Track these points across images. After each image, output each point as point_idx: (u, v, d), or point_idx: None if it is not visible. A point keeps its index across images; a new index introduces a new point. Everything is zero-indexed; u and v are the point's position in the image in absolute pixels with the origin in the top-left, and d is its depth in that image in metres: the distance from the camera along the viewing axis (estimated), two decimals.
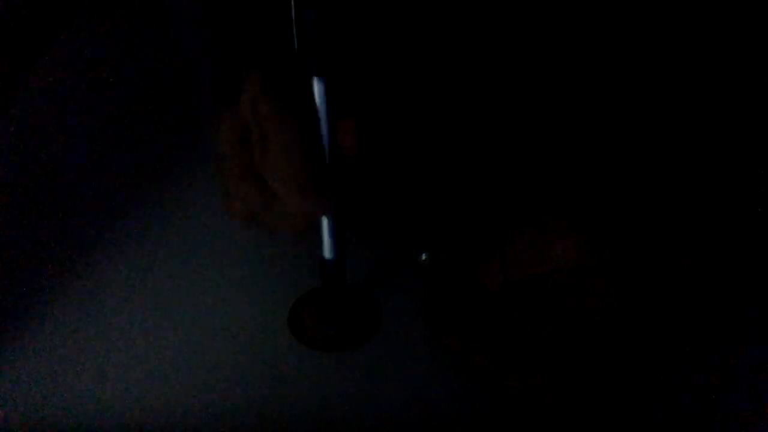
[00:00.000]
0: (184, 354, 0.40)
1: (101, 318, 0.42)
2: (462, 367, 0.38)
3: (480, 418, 0.37)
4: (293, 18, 0.34)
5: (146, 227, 0.46)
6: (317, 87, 0.34)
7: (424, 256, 0.42)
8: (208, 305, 0.42)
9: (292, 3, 0.34)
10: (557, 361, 0.36)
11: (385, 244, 0.45)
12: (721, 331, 0.39)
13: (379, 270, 0.44)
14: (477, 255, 0.39)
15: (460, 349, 0.38)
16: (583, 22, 0.48)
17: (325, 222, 0.37)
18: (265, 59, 0.37)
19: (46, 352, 0.40)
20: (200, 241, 0.45)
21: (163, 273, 0.44)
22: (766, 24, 0.43)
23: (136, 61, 0.58)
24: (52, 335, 0.41)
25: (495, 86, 0.50)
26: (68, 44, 0.58)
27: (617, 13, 0.47)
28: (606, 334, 0.36)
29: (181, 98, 0.55)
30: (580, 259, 0.36)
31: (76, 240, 0.45)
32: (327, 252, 0.38)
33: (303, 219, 0.37)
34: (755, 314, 0.39)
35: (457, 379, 0.39)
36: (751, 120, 0.42)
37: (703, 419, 0.36)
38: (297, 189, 0.35)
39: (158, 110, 0.54)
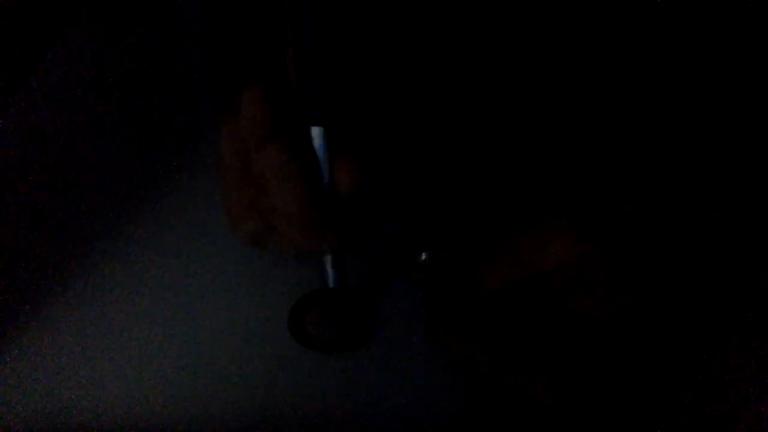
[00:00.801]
0: (184, 354, 0.40)
1: (101, 318, 0.42)
2: (462, 368, 0.38)
3: (481, 419, 0.37)
4: (293, 73, 0.36)
5: (146, 227, 0.46)
6: (317, 134, 0.37)
7: (423, 256, 0.42)
8: (208, 306, 0.42)
9: (291, 57, 0.36)
10: (557, 361, 0.36)
11: (384, 245, 0.45)
12: (721, 330, 0.39)
13: (379, 270, 0.44)
14: (477, 254, 0.39)
15: (459, 349, 0.38)
16: (582, 22, 0.48)
17: (328, 256, 0.39)
18: (262, 79, 0.37)
19: (46, 352, 0.40)
20: (200, 242, 0.45)
21: (163, 273, 0.44)
22: (766, 24, 0.43)
23: (137, 61, 0.58)
24: (52, 335, 0.41)
25: (495, 87, 0.50)
26: (68, 44, 0.58)
27: (616, 13, 0.47)
28: (606, 333, 0.36)
29: (181, 98, 0.55)
30: (579, 258, 0.36)
31: (76, 240, 0.45)
32: (331, 282, 0.39)
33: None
34: (756, 313, 0.39)
35: (457, 379, 0.38)
36: (751, 119, 0.42)
37: (703, 419, 0.36)
38: (301, 231, 0.36)
39: (159, 110, 0.54)
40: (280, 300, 0.42)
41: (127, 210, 0.47)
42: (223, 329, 0.41)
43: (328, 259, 0.39)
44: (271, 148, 0.35)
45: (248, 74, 0.39)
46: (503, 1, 0.48)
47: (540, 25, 0.48)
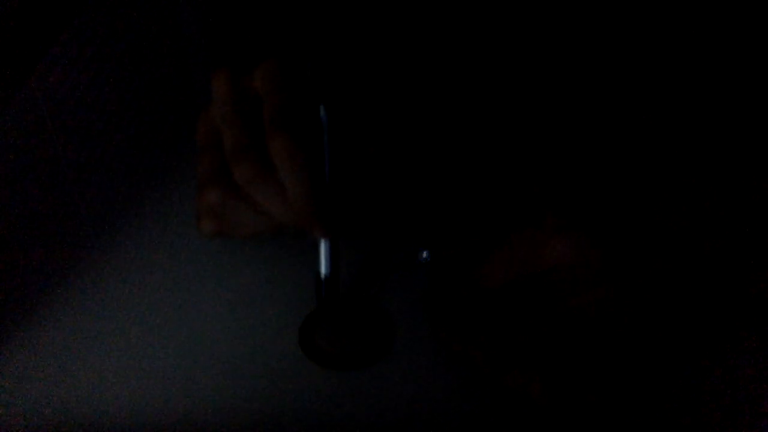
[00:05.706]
0: (188, 362, 0.40)
1: (102, 322, 0.41)
2: (463, 367, 0.38)
3: (482, 420, 0.37)
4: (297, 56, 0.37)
5: (150, 232, 0.46)
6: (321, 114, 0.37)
7: (425, 254, 0.42)
8: (215, 317, 0.42)
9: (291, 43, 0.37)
10: (556, 360, 0.36)
11: (387, 247, 0.45)
12: (721, 329, 0.39)
13: (384, 276, 0.43)
14: (477, 253, 0.39)
15: (458, 348, 0.38)
16: (583, 22, 0.48)
17: (322, 241, 0.39)
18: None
19: (46, 352, 0.40)
20: (209, 247, 0.45)
21: (168, 277, 0.44)
22: (766, 24, 0.43)
23: (137, 61, 0.57)
24: (52, 335, 0.41)
25: (495, 86, 0.50)
26: (68, 44, 0.58)
27: (616, 13, 0.47)
28: (604, 332, 0.36)
29: (182, 98, 0.55)
30: (578, 257, 0.36)
31: (77, 240, 0.45)
32: (323, 268, 0.39)
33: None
34: (755, 313, 0.39)
35: (461, 380, 0.38)
36: (751, 119, 0.42)
37: (702, 419, 0.36)
38: (302, 214, 0.37)
39: (160, 110, 0.54)
40: (290, 314, 0.41)
41: (130, 212, 0.47)
42: (230, 341, 0.41)
43: (323, 246, 0.39)
44: (282, 135, 0.36)
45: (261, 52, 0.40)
46: (504, 1, 0.49)
47: (540, 24, 0.48)
